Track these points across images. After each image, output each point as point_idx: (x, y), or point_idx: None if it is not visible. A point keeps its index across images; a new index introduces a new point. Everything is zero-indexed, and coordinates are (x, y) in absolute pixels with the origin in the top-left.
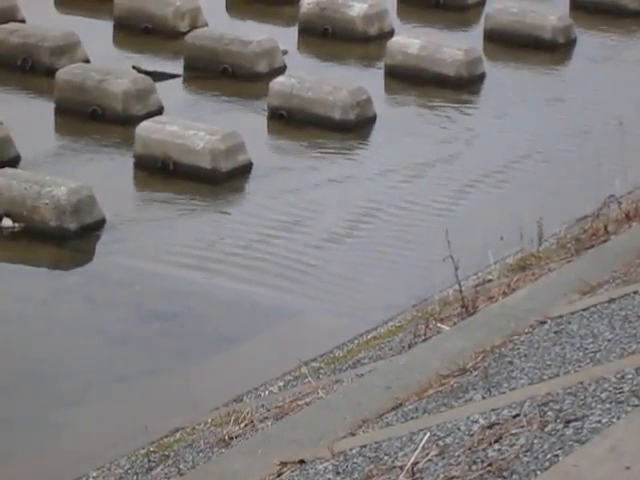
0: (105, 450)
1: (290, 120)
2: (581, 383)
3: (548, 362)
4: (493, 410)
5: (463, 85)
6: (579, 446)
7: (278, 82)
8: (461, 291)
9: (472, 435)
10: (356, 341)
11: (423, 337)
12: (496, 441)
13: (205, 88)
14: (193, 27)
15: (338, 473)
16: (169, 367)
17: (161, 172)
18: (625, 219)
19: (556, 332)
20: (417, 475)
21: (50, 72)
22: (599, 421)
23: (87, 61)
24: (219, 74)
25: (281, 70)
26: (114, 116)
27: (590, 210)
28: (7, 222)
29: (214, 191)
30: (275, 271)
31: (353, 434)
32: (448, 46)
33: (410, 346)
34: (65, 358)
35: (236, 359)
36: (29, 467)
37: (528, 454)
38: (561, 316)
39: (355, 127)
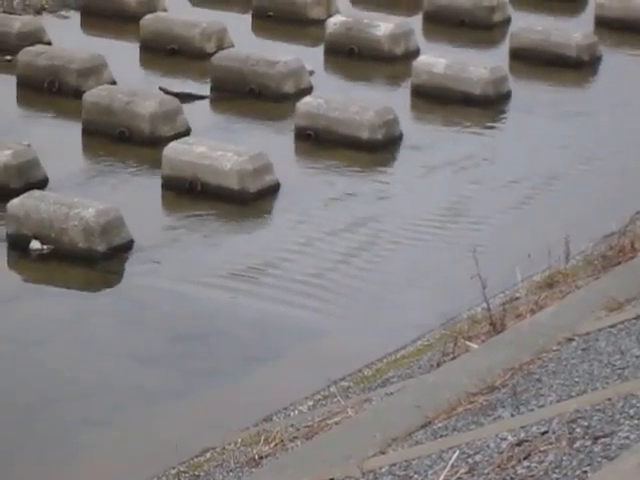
0: (135, 470)
1: (317, 140)
2: (609, 400)
3: (576, 379)
4: (522, 427)
5: (489, 103)
6: (607, 462)
7: (305, 102)
8: (489, 309)
9: (501, 452)
10: (385, 360)
11: (452, 355)
12: (525, 458)
13: (232, 109)
14: (219, 48)
15: None
16: (198, 387)
17: (189, 193)
18: None
19: (584, 349)
20: None
21: (77, 94)
22: (627, 437)
23: (114, 83)
24: (246, 95)
25: (308, 90)
26: (141, 138)
27: (616, 227)
28: (36, 244)
29: (242, 211)
30: (303, 290)
31: (383, 452)
32: (474, 65)
33: (439, 364)
34: (95, 378)
35: (265, 379)
36: None
37: (557, 471)
38: (589, 333)
39: (382, 147)
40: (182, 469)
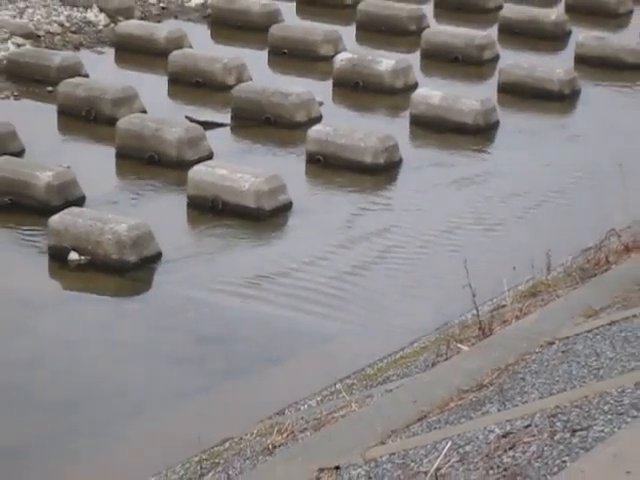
0: (162, 458)
1: (326, 164)
2: (586, 397)
3: (556, 378)
4: (507, 421)
5: (480, 131)
6: (584, 453)
7: (315, 130)
8: (478, 315)
9: (489, 443)
10: (385, 360)
11: (445, 357)
12: (510, 449)
13: (250, 136)
14: (239, 81)
15: (370, 478)
16: (219, 384)
17: (211, 211)
18: (624, 250)
19: (563, 352)
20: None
21: (111, 122)
22: (602, 430)
23: (144, 112)
24: (262, 123)
25: (318, 119)
26: (169, 161)
27: (593, 242)
28: (74, 255)
29: (258, 227)
30: (312, 298)
31: (383, 443)
32: (466, 97)
33: (433, 365)
34: (126, 376)
35: (278, 377)
36: (94, 473)
37: (539, 460)
38: (568, 337)
39: (384, 170)
40: (204, 457)
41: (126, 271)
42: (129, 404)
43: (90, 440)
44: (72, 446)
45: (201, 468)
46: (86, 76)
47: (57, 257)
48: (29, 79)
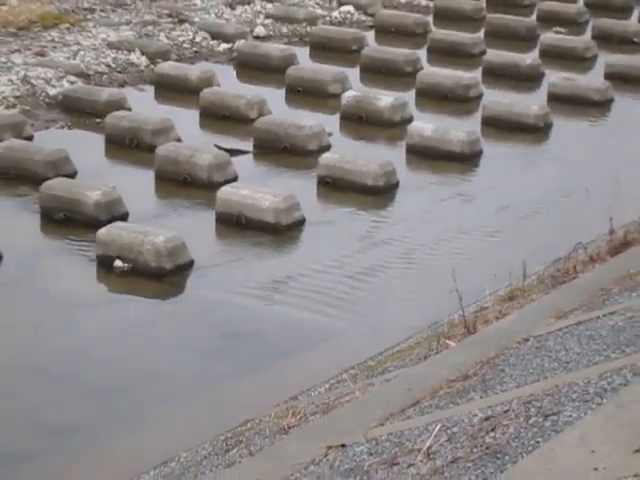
0: (192, 437)
1: (334, 186)
2: (557, 386)
3: (531, 370)
4: (489, 407)
5: (466, 159)
6: (555, 435)
7: (325, 157)
8: (464, 316)
9: (473, 426)
10: (384, 354)
11: (435, 351)
12: (491, 430)
13: (269, 161)
14: (260, 115)
15: (371, 454)
16: (241, 373)
17: (236, 225)
18: (590, 261)
19: (537, 347)
20: (431, 456)
21: (151, 149)
22: (571, 416)
23: (179, 140)
24: (280, 151)
25: (327, 148)
26: (200, 183)
27: (562, 254)
28: (119, 263)
29: (276, 240)
30: (323, 300)
31: (382, 424)
32: (454, 129)
33: (425, 358)
34: (162, 366)
35: (292, 367)
36: (131, 449)
37: (516, 440)
38: (541, 335)
39: (383, 191)
40: (228, 436)
41: (163, 277)
42: (163, 391)
43: (127, 421)
44: (116, 425)
45: (226, 445)
46: (129, 110)
47: (104, 264)
48: (81, 112)
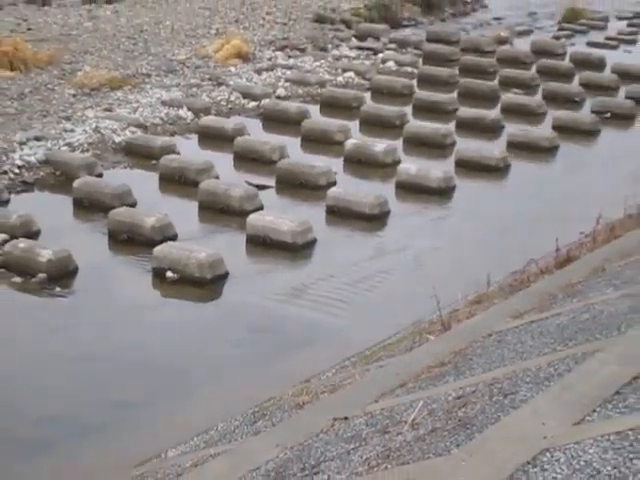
0: (226, 410)
1: (339, 214)
2: (514, 372)
3: (493, 359)
4: (460, 388)
5: (443, 192)
6: (513, 410)
7: (332, 191)
8: (441, 316)
9: (448, 402)
10: (377, 346)
11: (418, 344)
12: (462, 407)
13: (288, 194)
14: (281, 157)
15: (367, 425)
16: (266, 361)
17: (262, 245)
18: (540, 273)
19: (498, 341)
20: (415, 426)
21: (195, 184)
22: (525, 395)
23: (217, 178)
24: (296, 186)
25: (333, 184)
26: (234, 211)
27: (519, 267)
28: (170, 274)
29: (293, 256)
30: (330, 303)
31: (376, 402)
32: (433, 169)
33: (410, 349)
34: (204, 354)
35: (306, 356)
36: (181, 419)
37: (482, 414)
38: (501, 331)
39: (378, 219)
40: (255, 410)
41: (204, 285)
42: (203, 374)
43: (173, 398)
44: (170, 400)
45: (254, 417)
46: (178, 154)
47: (158, 275)
48: (140, 155)
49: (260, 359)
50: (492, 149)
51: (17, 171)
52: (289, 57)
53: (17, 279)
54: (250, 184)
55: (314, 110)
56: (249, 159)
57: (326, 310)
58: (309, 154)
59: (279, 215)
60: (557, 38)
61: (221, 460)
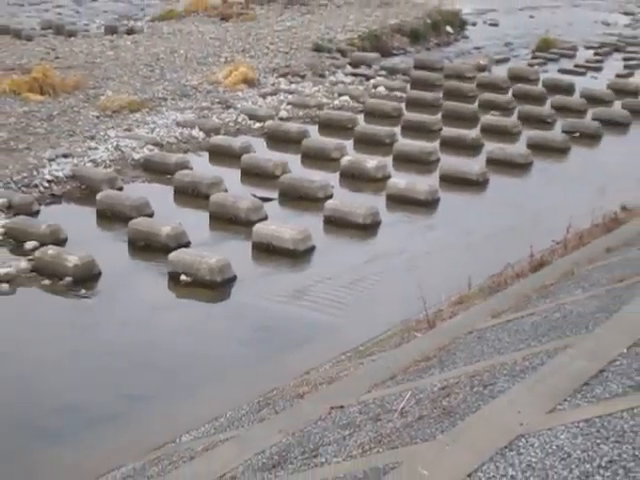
0: (234, 400)
1: (336, 223)
2: (492, 365)
3: (474, 353)
4: (445, 380)
5: (428, 205)
6: (492, 400)
7: (329, 202)
8: (427, 315)
9: (433, 393)
10: (370, 342)
11: (406, 340)
12: (447, 396)
13: (290, 206)
14: (283, 173)
15: (361, 413)
16: (268, 356)
17: (266, 251)
18: (516, 276)
19: (479, 337)
20: (404, 414)
21: (206, 197)
22: (502, 386)
23: (226, 191)
24: (297, 198)
25: (330, 196)
26: (241, 221)
27: (497, 271)
28: (184, 277)
29: (294, 262)
30: (328, 303)
31: (369, 392)
32: (420, 183)
33: (400, 345)
34: (213, 350)
35: (306, 351)
36: (192, 408)
37: (464, 403)
38: (481, 329)
39: (370, 227)
40: (260, 399)
41: (214, 287)
42: (213, 370)
43: (186, 391)
44: (182, 391)
45: (259, 406)
46: (191, 169)
47: (173, 278)
48: (156, 171)
49: (264, 354)
50: (472, 165)
51: (46, 185)
52: (290, 82)
53: (46, 281)
54: (255, 197)
55: (313, 130)
56: (254, 174)
57: (324, 310)
58: (308, 170)
59: (282, 224)
60: (531, 65)
61: (230, 445)
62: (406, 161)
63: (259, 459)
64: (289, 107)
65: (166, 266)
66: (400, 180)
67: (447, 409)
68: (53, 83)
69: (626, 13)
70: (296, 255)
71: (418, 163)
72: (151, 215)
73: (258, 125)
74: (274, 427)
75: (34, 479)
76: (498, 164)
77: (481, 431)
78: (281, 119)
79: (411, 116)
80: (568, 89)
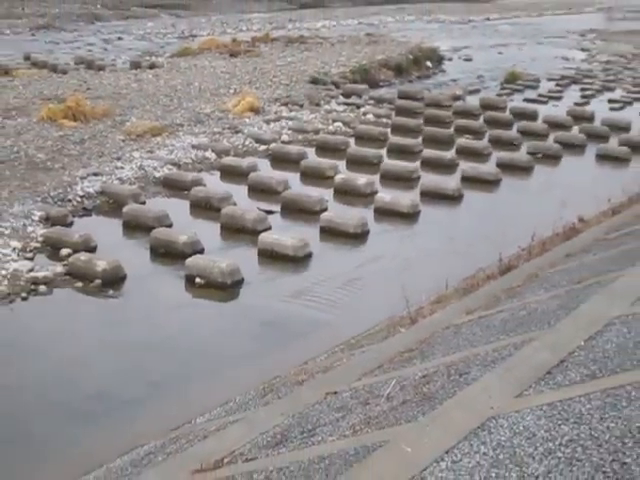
0: (241, 387)
1: (330, 232)
2: (467, 356)
3: (451, 346)
4: (425, 369)
5: (410, 217)
6: (466, 386)
7: (324, 214)
8: (410, 312)
9: (415, 380)
10: (360, 336)
11: (392, 334)
12: (427, 384)
13: (290, 218)
14: (285, 189)
15: (353, 398)
16: (272, 349)
17: (270, 257)
18: (487, 279)
19: (455, 332)
20: (390, 399)
21: (218, 210)
22: (476, 374)
23: (235, 204)
24: (297, 211)
25: (325, 209)
26: (248, 230)
27: (470, 274)
28: (198, 280)
29: (295, 266)
30: (324, 302)
31: (359, 379)
32: (403, 198)
33: (386, 338)
34: (220, 345)
35: (305, 344)
36: (205, 394)
37: (442, 390)
38: (457, 324)
39: (360, 236)
40: (265, 386)
41: (225, 289)
42: (222, 361)
43: (196, 378)
44: (196, 379)
45: (263, 391)
46: (205, 186)
47: (189, 281)
48: (175, 187)
49: (268, 346)
50: (449, 182)
51: (79, 200)
52: (291, 110)
53: (79, 284)
54: (261, 210)
55: (310, 152)
56: (260, 190)
57: (321, 308)
58: (307, 186)
59: (284, 234)
60: (500, 95)
61: (238, 425)
62: (391, 179)
63: (264, 438)
64: (290, 132)
65: (183, 270)
66: (386, 195)
67: (427, 395)
68: (84, 111)
69: (583, 49)
70: (296, 260)
71: (402, 180)
72: (170, 226)
73: (263, 147)
74: (277, 410)
75: (69, 454)
76: (471, 181)
77: (457, 413)
78: (283, 142)
79: (396, 140)
80: (532, 116)
